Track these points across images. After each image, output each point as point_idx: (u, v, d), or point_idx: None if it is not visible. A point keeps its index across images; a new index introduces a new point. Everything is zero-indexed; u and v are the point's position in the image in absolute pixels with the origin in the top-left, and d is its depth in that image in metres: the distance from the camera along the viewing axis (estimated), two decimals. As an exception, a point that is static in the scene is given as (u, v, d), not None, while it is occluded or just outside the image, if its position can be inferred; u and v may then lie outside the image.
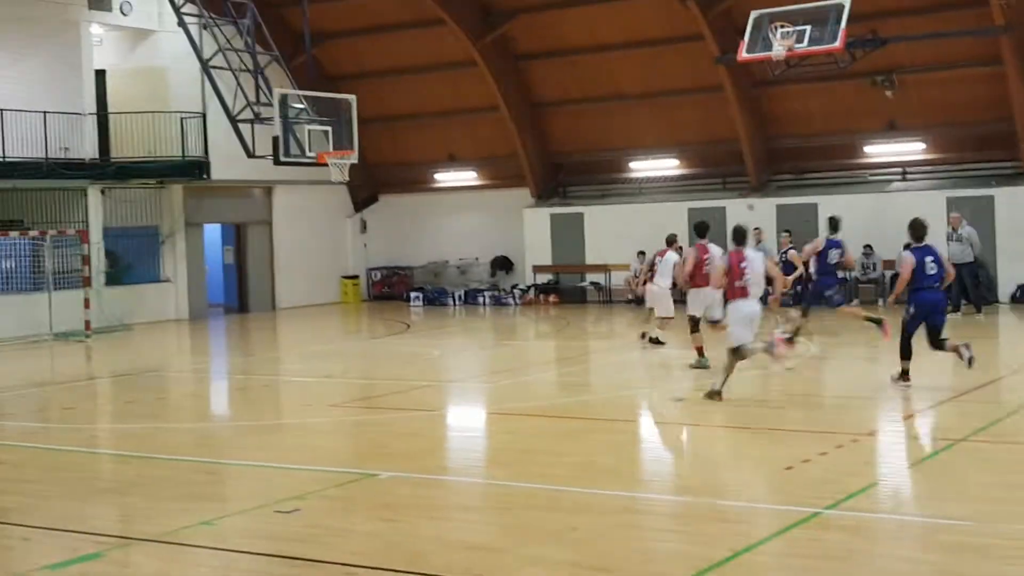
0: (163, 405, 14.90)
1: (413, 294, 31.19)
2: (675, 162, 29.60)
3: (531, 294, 29.75)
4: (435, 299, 30.91)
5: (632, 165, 30.12)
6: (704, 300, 15.34)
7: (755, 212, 27.22)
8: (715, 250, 15.28)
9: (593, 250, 29.25)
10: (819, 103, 27.27)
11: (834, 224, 17.14)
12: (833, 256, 16.83)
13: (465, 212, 32.10)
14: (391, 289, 32.79)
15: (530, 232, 30.01)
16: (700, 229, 15.40)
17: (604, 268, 29.13)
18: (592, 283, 29.30)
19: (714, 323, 15.40)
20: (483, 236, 31.67)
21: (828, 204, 26.11)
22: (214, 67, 24.01)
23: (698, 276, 15.25)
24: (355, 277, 33.10)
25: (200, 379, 17.92)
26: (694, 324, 15.57)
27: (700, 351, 15.53)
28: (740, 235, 13.02)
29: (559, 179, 30.97)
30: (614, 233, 28.43)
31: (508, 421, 12.86)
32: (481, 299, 30.41)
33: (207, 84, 25.79)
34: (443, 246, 32.25)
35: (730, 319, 12.85)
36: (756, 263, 12.68)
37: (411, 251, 32.92)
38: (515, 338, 22.88)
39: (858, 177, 27.30)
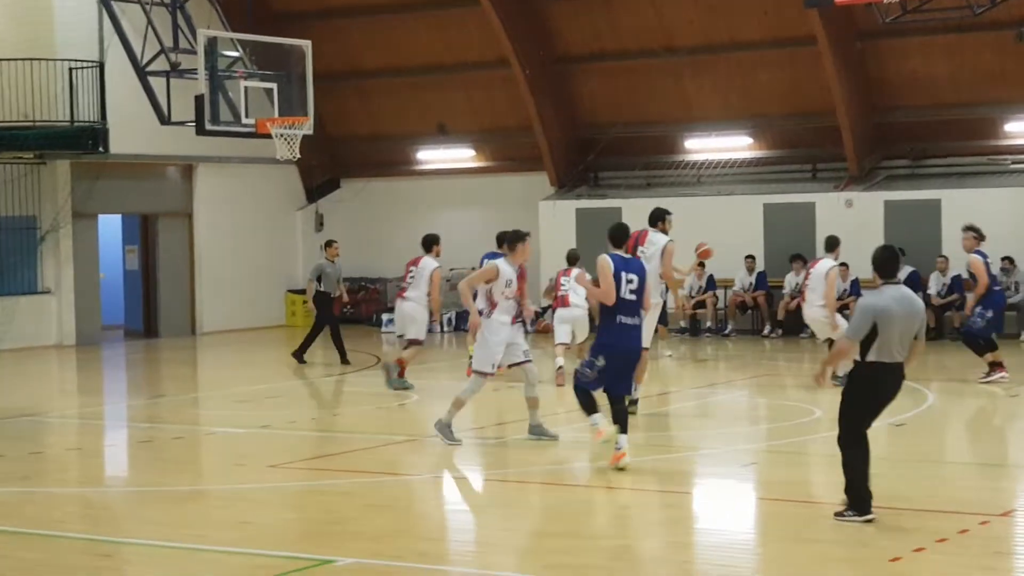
0: (39, 463, 14.92)
1: (386, 316, 31.20)
2: (747, 141, 29.69)
3: (547, 318, 29.77)
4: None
5: (689, 144, 30.22)
6: None
7: (855, 210, 27.30)
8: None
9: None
10: (946, 64, 27.35)
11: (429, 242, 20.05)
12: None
13: (459, 205, 32.20)
14: (356, 309, 32.83)
15: (548, 233, 30.07)
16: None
17: (648, 285, 29.15)
18: (631, 305, 29.32)
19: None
20: (483, 238, 31.56)
21: (955, 200, 26.21)
22: (116, -1, 24.20)
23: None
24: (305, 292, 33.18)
25: (90, 428, 17.97)
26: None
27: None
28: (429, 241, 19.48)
29: (589, 162, 31.07)
30: (662, 237, 28.49)
31: (513, 490, 12.89)
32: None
33: (106, 22, 25.89)
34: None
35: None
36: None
37: (384, 257, 32.99)
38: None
39: (997, 164, 27.36)
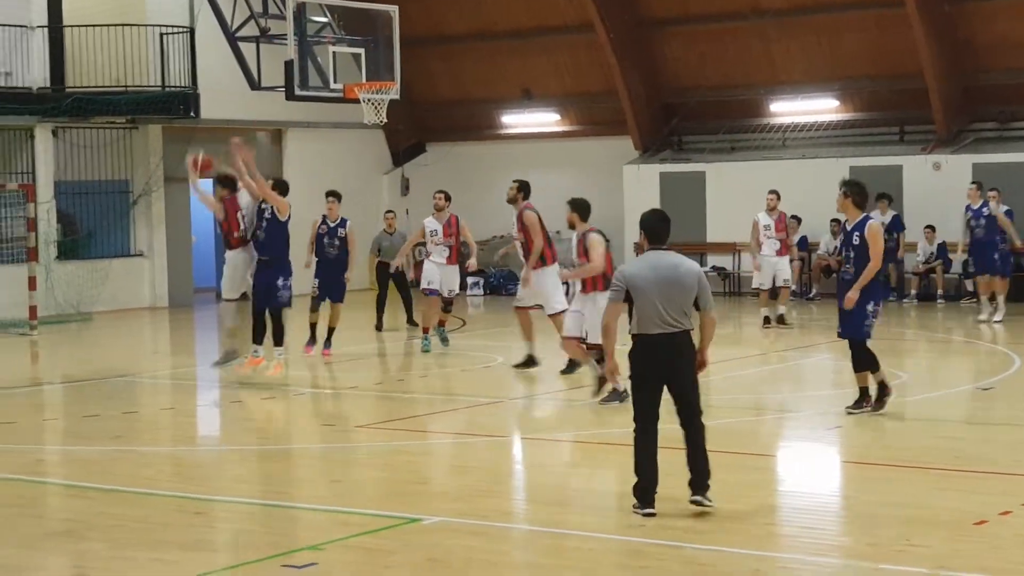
0: (133, 422, 15.13)
1: (471, 279, 31.31)
2: (834, 104, 29.40)
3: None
4: (500, 286, 31.02)
5: (774, 108, 29.98)
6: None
7: (943, 173, 26.97)
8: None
9: (718, 223, 29.19)
10: (1037, 26, 26.94)
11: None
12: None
13: (543, 169, 32.10)
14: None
15: (632, 197, 29.98)
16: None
17: (732, 248, 29.02)
18: (715, 268, 29.22)
19: None
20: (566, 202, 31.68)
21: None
22: (206, -35, 24.37)
23: None
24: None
25: (182, 388, 18.17)
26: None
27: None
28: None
29: (673, 126, 30.91)
30: (747, 200, 28.27)
31: (594, 452, 12.91)
32: (564, 287, 30.43)
33: (197, -12, 26.13)
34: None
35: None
36: None
37: (469, 221, 32.87)
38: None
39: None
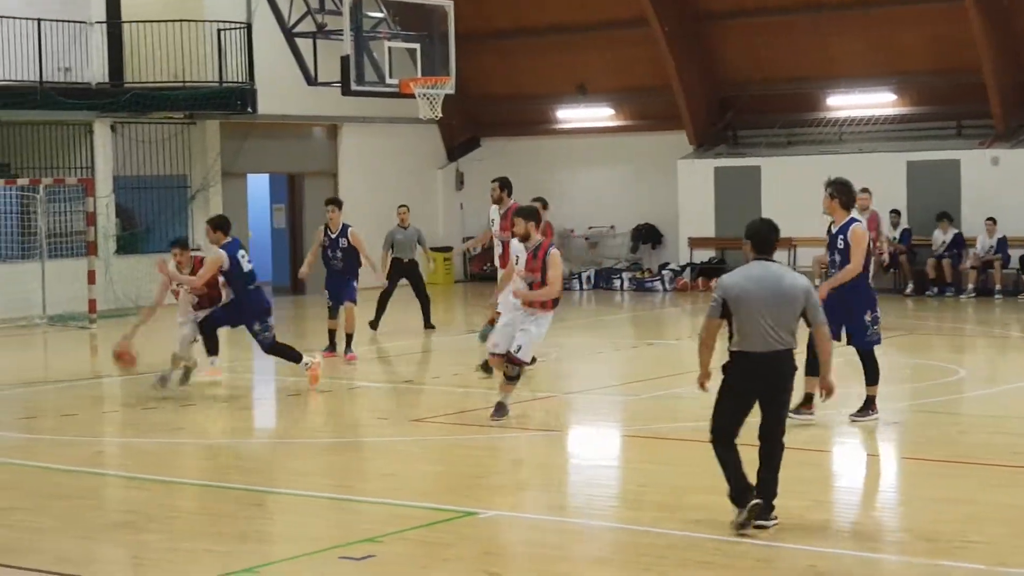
0: (191, 414, 15.23)
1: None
2: (891, 98, 29.23)
3: (686, 277, 29.66)
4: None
5: (831, 102, 29.82)
6: None
7: (1001, 168, 26.76)
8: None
9: (774, 218, 28.82)
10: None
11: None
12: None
13: (598, 164, 32.15)
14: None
15: (687, 192, 29.93)
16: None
17: (788, 243, 28.86)
18: (771, 263, 29.11)
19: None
20: (622, 197, 31.70)
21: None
22: (263, -39, 24.53)
23: None
24: (447, 249, 33.38)
25: (239, 381, 18.26)
26: None
27: None
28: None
29: (728, 120, 30.81)
30: (803, 195, 28.14)
31: (653, 447, 12.89)
32: (618, 282, 30.46)
33: (254, -16, 26.29)
34: (567, 210, 32.35)
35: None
36: None
37: (523, 215, 33.02)
38: (664, 336, 22.85)
39: None
